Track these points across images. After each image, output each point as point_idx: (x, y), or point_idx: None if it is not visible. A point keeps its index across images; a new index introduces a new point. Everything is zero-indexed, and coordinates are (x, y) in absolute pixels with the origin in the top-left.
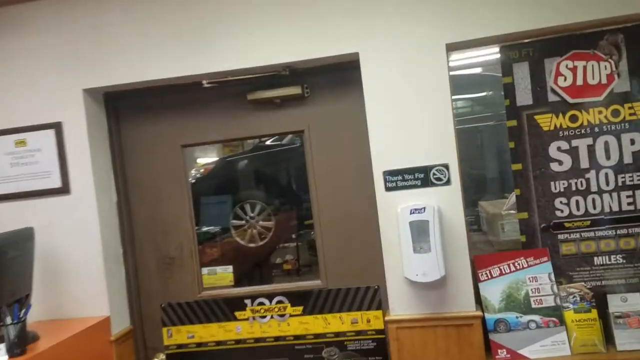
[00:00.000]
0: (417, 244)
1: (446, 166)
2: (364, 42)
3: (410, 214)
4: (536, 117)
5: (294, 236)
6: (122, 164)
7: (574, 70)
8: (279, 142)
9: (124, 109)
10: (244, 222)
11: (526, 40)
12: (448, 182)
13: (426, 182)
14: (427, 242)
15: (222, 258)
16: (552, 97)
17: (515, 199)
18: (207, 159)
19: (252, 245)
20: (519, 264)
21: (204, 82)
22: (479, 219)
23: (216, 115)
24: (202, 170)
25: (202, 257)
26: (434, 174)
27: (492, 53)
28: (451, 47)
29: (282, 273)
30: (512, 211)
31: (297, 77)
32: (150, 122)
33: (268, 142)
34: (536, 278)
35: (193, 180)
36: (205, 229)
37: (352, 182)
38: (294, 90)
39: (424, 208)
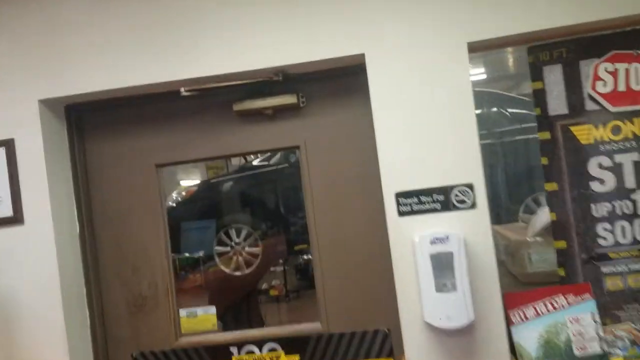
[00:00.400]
0: (440, 281)
1: (470, 186)
2: (370, 41)
3: (431, 244)
4: (572, 128)
5: (281, 262)
6: (86, 188)
7: (614, 74)
8: (266, 163)
9: (88, 124)
10: (228, 248)
11: (558, 40)
12: (473, 206)
13: (447, 206)
14: (452, 278)
15: (204, 288)
16: (590, 105)
17: (537, 222)
18: (190, 181)
19: (237, 273)
20: (557, 303)
21: (182, 90)
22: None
23: (197, 129)
24: (183, 193)
25: (184, 284)
26: (456, 196)
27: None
28: (473, 48)
29: (268, 299)
30: (539, 238)
31: (291, 84)
32: (120, 139)
33: (255, 163)
34: (578, 319)
35: (174, 204)
36: (186, 255)
37: (357, 206)
38: (288, 99)
39: (448, 237)
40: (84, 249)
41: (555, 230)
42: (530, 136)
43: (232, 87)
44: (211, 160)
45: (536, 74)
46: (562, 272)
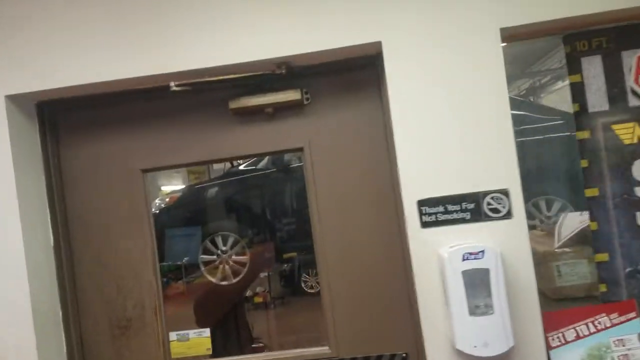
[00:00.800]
0: (474, 302)
1: (505, 192)
2: (388, 27)
3: (463, 260)
4: (613, 126)
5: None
6: (62, 197)
7: None
8: (253, 167)
9: (65, 123)
10: (214, 257)
11: (597, 28)
12: (508, 215)
13: (478, 215)
14: (488, 299)
15: (189, 300)
16: (633, 101)
17: (563, 230)
18: (171, 186)
19: (224, 283)
20: (599, 323)
21: (172, 84)
22: None
23: (188, 130)
24: (167, 200)
25: (167, 295)
26: (488, 204)
27: None
28: (506, 35)
29: (252, 307)
30: (567, 249)
31: (295, 78)
32: (101, 141)
33: (242, 167)
34: (623, 341)
35: (157, 211)
36: (170, 264)
37: (368, 216)
38: (291, 95)
39: (483, 251)
40: (59, 265)
41: (596, 241)
42: (526, 139)
43: (228, 81)
44: (203, 165)
45: (573, 66)
46: (603, 288)
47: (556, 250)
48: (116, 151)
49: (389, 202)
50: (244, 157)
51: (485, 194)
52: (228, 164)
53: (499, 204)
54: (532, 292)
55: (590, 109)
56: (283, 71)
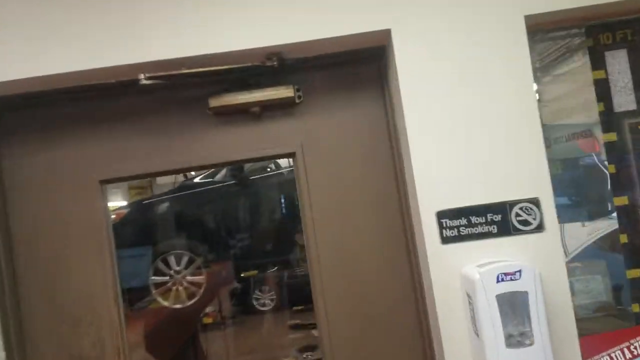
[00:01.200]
0: (510, 331)
1: (536, 202)
2: (399, 13)
3: (498, 281)
4: None
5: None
6: (4, 214)
7: None
8: (210, 180)
9: (5, 127)
10: (167, 277)
11: (622, 19)
12: (539, 228)
13: (506, 229)
14: (527, 327)
15: (137, 328)
16: None
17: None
18: (111, 203)
19: (178, 306)
20: (635, 348)
21: (142, 77)
22: None
23: (158, 132)
24: (112, 217)
25: None
26: (517, 215)
27: None
28: (530, 24)
29: (202, 328)
30: (577, 263)
31: (286, 73)
32: (52, 147)
33: (197, 180)
34: None
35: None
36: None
37: (371, 231)
38: (282, 92)
39: (520, 271)
40: (1, 298)
41: (627, 254)
42: None
43: (209, 75)
44: (176, 174)
45: (597, 61)
46: (636, 309)
47: (568, 264)
48: (69, 158)
49: (394, 215)
50: (226, 164)
51: (514, 203)
52: (180, 177)
53: (529, 215)
54: (569, 317)
55: (616, 109)
56: (275, 63)
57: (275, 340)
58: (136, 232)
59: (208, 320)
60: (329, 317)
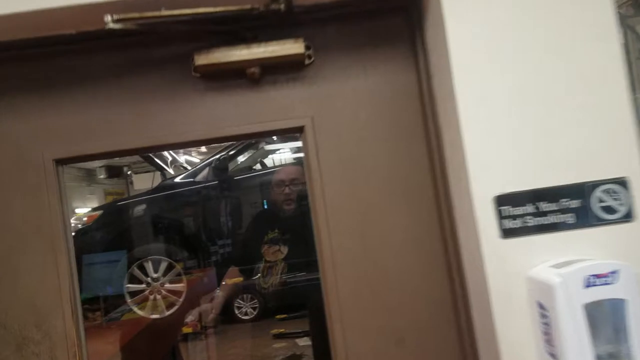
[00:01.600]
0: (600, 350)
1: (623, 183)
2: None
3: (586, 287)
4: None
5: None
6: None
7: None
8: (191, 180)
9: None
10: (144, 285)
11: None
12: (628, 216)
13: (584, 218)
14: (624, 343)
15: (111, 342)
16: None
17: None
18: (86, 209)
19: (155, 316)
20: None
21: (108, 19)
22: None
23: (130, 99)
24: (84, 219)
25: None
26: (600, 200)
27: None
28: None
29: (181, 338)
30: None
31: (293, 24)
32: None
33: (177, 180)
34: None
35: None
36: (87, 297)
37: (398, 222)
38: (289, 47)
39: (616, 273)
40: None
41: None
42: None
43: (195, 22)
44: (150, 152)
45: None
46: None
47: None
48: (15, 134)
49: (428, 205)
50: (214, 141)
51: (595, 185)
52: (158, 177)
53: (615, 200)
54: None
55: None
56: (281, 6)
57: (259, 350)
58: (110, 235)
59: (187, 329)
60: (345, 332)
